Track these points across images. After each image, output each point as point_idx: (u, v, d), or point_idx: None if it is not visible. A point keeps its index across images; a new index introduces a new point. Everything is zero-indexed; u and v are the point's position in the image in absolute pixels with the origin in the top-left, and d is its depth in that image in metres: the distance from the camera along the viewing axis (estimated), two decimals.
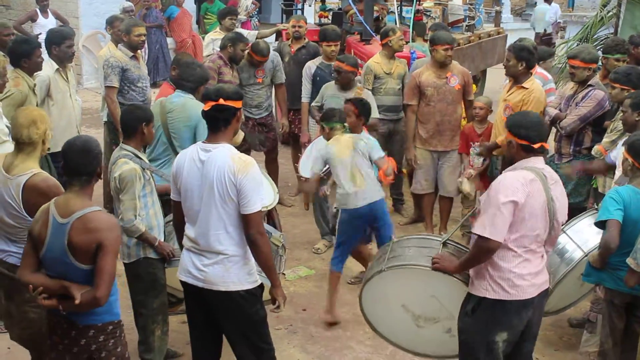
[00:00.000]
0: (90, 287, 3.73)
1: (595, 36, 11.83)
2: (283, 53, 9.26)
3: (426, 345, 5.01)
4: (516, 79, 7.05)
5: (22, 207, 4.43)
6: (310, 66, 8.47)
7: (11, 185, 4.47)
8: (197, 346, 4.69)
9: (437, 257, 4.50)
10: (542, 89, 7.15)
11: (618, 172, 5.58)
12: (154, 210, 5.13)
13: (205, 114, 4.37)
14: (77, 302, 3.67)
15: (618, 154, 5.64)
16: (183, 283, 4.52)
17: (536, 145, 4.25)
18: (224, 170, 4.23)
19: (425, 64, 7.99)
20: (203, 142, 4.42)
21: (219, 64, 8.01)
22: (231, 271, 4.34)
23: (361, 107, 6.38)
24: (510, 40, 9.39)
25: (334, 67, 7.73)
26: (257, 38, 9.70)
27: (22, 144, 4.54)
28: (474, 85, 9.30)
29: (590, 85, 6.71)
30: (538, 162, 4.29)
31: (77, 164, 3.84)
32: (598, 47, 11.55)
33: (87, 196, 3.83)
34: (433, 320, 4.80)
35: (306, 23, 9.63)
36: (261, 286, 4.52)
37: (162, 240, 5.18)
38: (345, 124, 6.25)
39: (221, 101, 4.29)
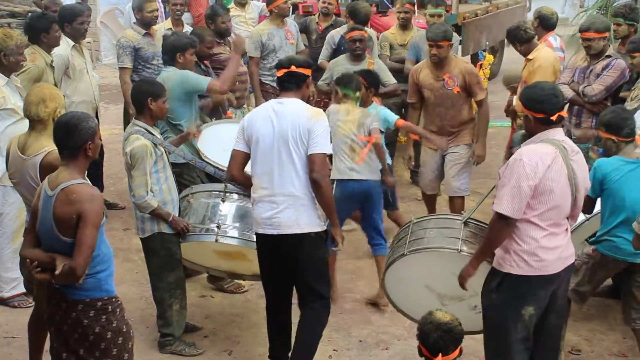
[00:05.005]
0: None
1: (615, 4, 11.64)
2: (310, 29, 8.91)
3: None
4: (524, 54, 7.29)
5: None
6: (334, 35, 8.24)
7: (29, 166, 4.51)
8: (271, 292, 5.04)
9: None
10: (549, 56, 7.09)
11: None
12: (167, 185, 5.14)
13: (279, 80, 4.87)
14: (57, 272, 3.70)
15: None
16: (258, 236, 4.86)
17: (553, 117, 4.18)
18: (298, 116, 4.71)
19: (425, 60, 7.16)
20: (274, 99, 4.98)
21: (212, 44, 7.76)
22: (302, 214, 4.72)
23: (370, 79, 6.33)
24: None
25: (354, 36, 7.37)
26: None
27: (32, 122, 4.59)
28: (490, 57, 9.22)
29: (608, 56, 6.65)
30: (557, 133, 4.22)
31: (58, 139, 3.87)
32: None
33: (77, 170, 3.84)
34: (458, 299, 4.75)
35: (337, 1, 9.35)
36: (326, 232, 4.88)
37: (177, 215, 5.20)
38: (359, 94, 6.07)
39: (293, 68, 4.78)
